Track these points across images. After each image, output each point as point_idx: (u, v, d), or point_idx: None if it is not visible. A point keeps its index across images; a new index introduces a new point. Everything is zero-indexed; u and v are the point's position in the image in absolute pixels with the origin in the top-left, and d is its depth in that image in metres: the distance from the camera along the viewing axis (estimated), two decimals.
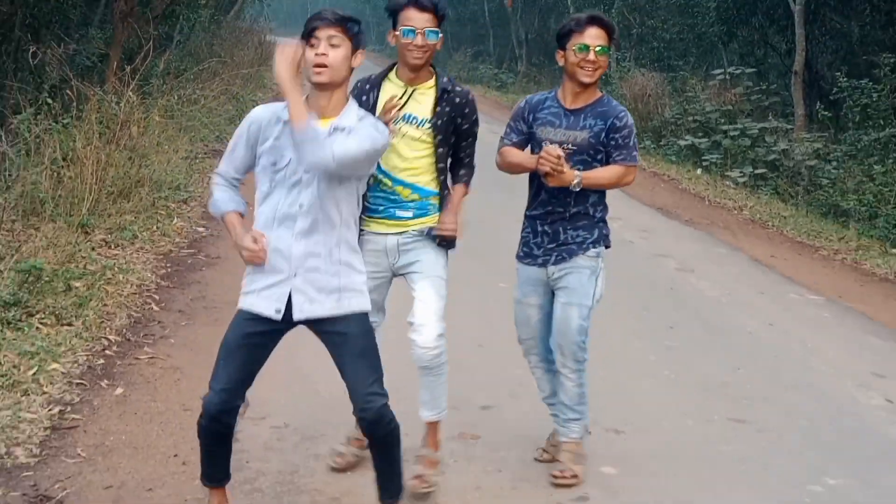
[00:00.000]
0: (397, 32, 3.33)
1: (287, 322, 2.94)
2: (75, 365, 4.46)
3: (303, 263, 2.89)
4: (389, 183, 3.38)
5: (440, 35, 3.34)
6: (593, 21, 3.49)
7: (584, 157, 3.52)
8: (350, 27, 2.84)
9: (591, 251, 3.63)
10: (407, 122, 3.38)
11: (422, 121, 3.38)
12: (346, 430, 3.71)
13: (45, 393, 4.10)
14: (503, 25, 29.91)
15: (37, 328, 4.71)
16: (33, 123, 6.90)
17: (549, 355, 3.76)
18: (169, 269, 6.28)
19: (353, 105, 2.95)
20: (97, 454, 3.67)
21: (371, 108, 3.32)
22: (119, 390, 4.31)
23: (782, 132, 12.98)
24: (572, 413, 3.69)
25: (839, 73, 13.01)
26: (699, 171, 12.68)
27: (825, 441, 4.32)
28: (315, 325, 2.96)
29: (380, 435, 2.97)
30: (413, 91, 3.38)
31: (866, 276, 7.82)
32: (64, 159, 6.89)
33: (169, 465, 3.63)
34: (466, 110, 3.45)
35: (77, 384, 4.27)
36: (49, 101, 7.41)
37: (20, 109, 7.33)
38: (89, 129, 7.35)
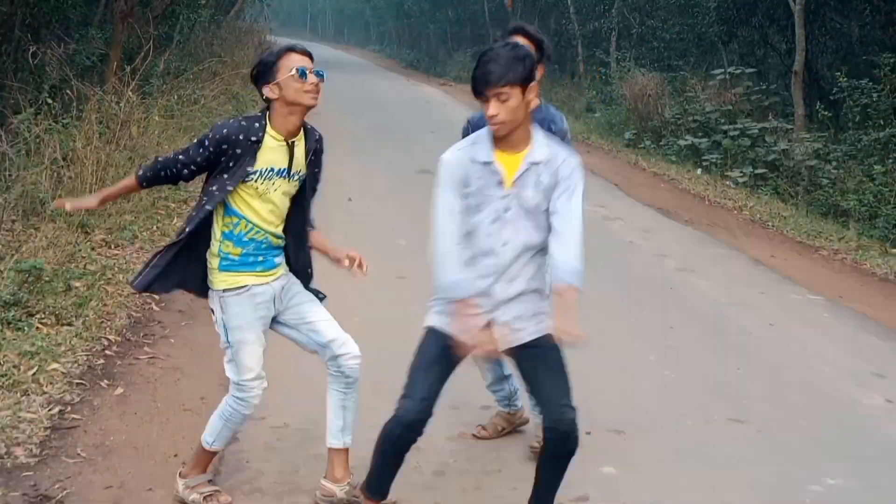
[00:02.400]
0: (286, 78, 3.06)
1: None
2: (75, 365, 4.46)
3: (503, 299, 2.94)
4: (264, 235, 3.18)
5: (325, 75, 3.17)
6: (517, 31, 3.57)
7: None
8: (515, 74, 2.77)
9: None
10: (284, 178, 3.16)
11: (294, 174, 3.19)
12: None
13: (45, 393, 4.11)
14: (503, 25, 29.84)
15: (37, 328, 4.71)
16: (33, 123, 6.90)
17: None
18: None
19: (539, 135, 2.95)
20: (97, 454, 3.67)
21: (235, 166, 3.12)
22: (119, 390, 4.31)
23: (782, 132, 12.98)
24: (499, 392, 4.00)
25: (839, 73, 13.01)
26: (699, 171, 12.68)
27: (825, 441, 4.32)
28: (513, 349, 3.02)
29: (565, 450, 2.95)
30: (293, 143, 3.17)
31: (866, 276, 7.82)
32: (64, 159, 6.89)
33: (169, 465, 3.63)
34: (322, 154, 3.31)
35: (77, 384, 4.28)
36: (49, 101, 7.41)
37: (20, 109, 7.33)
38: (89, 129, 7.36)
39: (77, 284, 5.35)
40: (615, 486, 3.71)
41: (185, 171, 3.14)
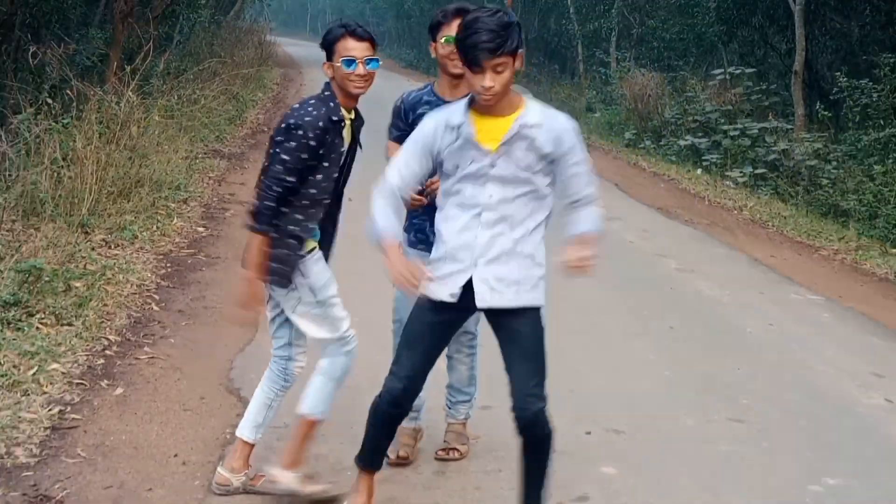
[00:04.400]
0: (338, 63, 3.22)
1: (466, 309, 2.99)
2: (75, 365, 4.46)
3: (485, 253, 2.92)
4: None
5: (380, 63, 3.30)
6: (460, 13, 3.43)
7: None
8: (509, 46, 2.77)
9: None
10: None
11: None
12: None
13: (45, 393, 4.11)
14: None
15: (37, 328, 4.71)
16: (33, 123, 6.89)
17: None
18: (169, 269, 6.28)
19: (531, 99, 2.97)
20: (97, 454, 3.67)
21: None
22: (119, 390, 4.31)
23: (782, 132, 12.98)
24: (461, 395, 3.87)
25: (839, 73, 13.00)
26: (699, 171, 12.68)
27: (825, 441, 4.32)
28: (493, 316, 3.01)
29: (534, 437, 3.00)
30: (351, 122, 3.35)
31: (866, 276, 7.82)
32: (64, 159, 6.89)
33: (169, 465, 3.63)
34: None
35: (77, 384, 4.27)
36: (49, 101, 7.40)
37: (20, 109, 7.33)
38: (89, 129, 7.35)
39: (77, 284, 5.35)
40: (615, 486, 3.71)
41: (299, 178, 3.17)
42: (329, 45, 3.23)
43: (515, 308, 2.95)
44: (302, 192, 3.18)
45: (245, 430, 3.43)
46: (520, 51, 2.82)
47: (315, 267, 3.27)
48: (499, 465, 3.83)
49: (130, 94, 8.31)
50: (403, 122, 3.64)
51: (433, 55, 3.62)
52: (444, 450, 3.85)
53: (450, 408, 3.94)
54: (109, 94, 8.31)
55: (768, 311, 6.41)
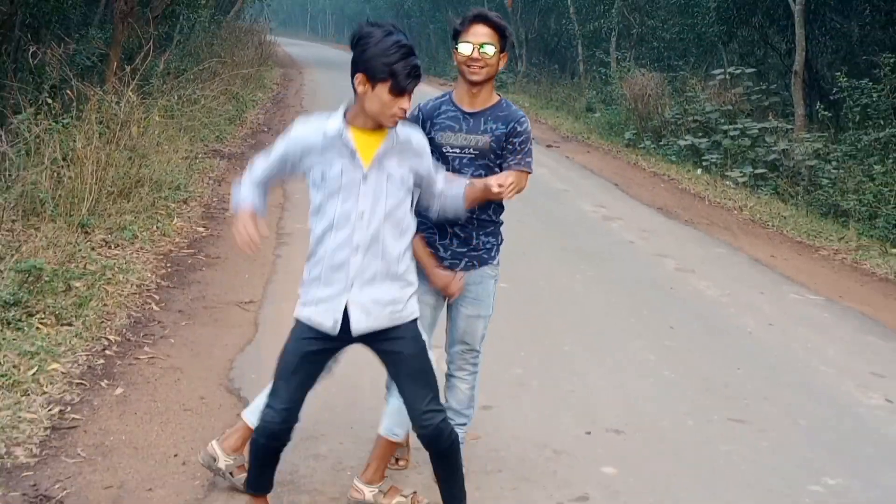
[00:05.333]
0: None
1: (343, 340, 2.93)
2: (75, 365, 4.46)
3: (360, 275, 2.87)
4: None
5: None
6: (478, 19, 3.39)
7: (486, 161, 3.41)
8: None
9: (495, 260, 3.57)
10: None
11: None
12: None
13: (45, 393, 4.11)
14: None
15: (37, 328, 4.71)
16: (33, 123, 6.89)
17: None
18: (169, 269, 6.28)
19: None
20: (97, 454, 3.67)
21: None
22: (119, 390, 4.31)
23: (782, 132, 12.97)
24: (461, 418, 3.62)
25: (839, 73, 13.00)
26: (699, 171, 12.68)
27: (825, 441, 4.32)
28: (370, 341, 2.96)
29: (441, 449, 3.00)
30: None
31: (866, 276, 7.82)
32: (64, 159, 6.89)
33: (169, 465, 3.63)
34: None
35: (77, 384, 4.28)
36: (49, 101, 7.40)
37: (20, 109, 7.33)
38: (89, 129, 7.35)
39: (77, 284, 5.35)
40: (615, 486, 3.71)
41: None
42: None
43: (391, 327, 2.93)
44: None
45: (248, 414, 3.42)
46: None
47: None
48: (499, 465, 3.83)
49: (130, 94, 8.31)
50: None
51: (455, 62, 3.51)
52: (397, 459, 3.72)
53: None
54: (109, 94, 8.31)
55: (768, 311, 6.41)
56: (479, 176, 3.34)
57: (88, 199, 6.67)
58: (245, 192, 3.00)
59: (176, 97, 10.87)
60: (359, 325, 2.88)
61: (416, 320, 2.99)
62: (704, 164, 12.88)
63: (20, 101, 7.54)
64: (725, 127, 13.41)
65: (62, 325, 4.85)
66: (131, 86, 8.40)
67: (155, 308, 5.50)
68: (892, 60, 11.91)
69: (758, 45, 17.89)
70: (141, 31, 11.07)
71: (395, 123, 2.84)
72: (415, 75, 2.78)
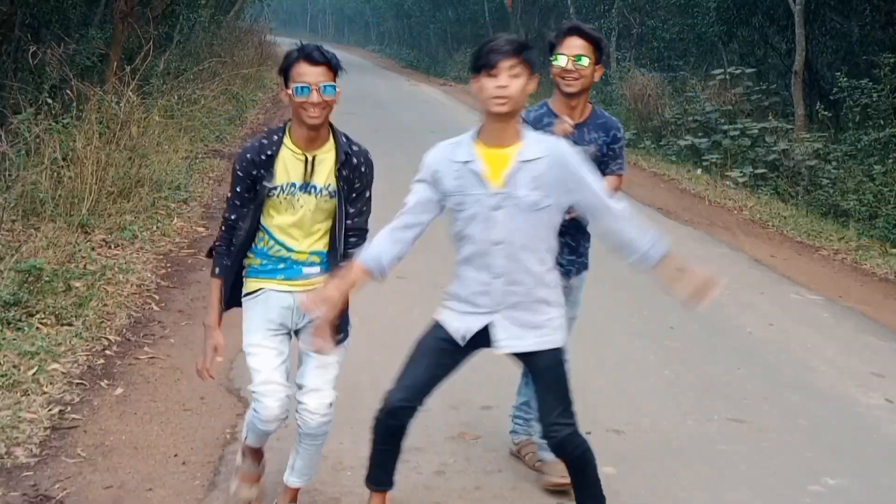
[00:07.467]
0: (289, 91, 2.91)
1: (475, 346, 2.96)
2: (75, 365, 4.46)
3: (504, 300, 2.88)
4: (287, 253, 3.06)
5: (337, 90, 2.92)
6: (572, 31, 3.45)
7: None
8: (527, 56, 2.75)
9: (590, 265, 3.70)
10: (308, 193, 3.00)
11: (321, 189, 3.02)
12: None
13: (45, 393, 4.11)
14: (503, 25, 29.91)
15: (37, 328, 4.71)
16: (33, 123, 6.89)
17: None
18: (169, 269, 6.28)
19: (530, 132, 2.91)
20: (97, 454, 3.67)
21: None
22: (119, 390, 4.31)
23: (782, 132, 12.97)
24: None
25: (839, 73, 13.00)
26: (699, 171, 12.68)
27: (825, 441, 4.32)
28: (514, 354, 3.00)
29: (569, 457, 3.01)
30: (314, 157, 2.99)
31: (866, 276, 7.82)
32: (64, 159, 6.89)
33: (169, 465, 3.63)
34: (356, 170, 3.11)
35: (77, 384, 4.28)
36: (49, 101, 7.40)
37: (20, 109, 7.33)
38: (89, 129, 7.36)
39: (77, 284, 5.35)
40: (615, 487, 3.71)
41: (241, 214, 3.02)
42: (284, 71, 2.93)
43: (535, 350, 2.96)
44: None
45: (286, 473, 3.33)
46: (534, 74, 2.78)
47: (249, 312, 3.11)
48: (499, 465, 3.83)
49: (130, 94, 8.31)
50: None
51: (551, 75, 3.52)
52: (562, 476, 3.40)
53: (524, 425, 3.85)
54: (109, 94, 8.31)
55: (768, 311, 6.41)
56: None
57: (88, 199, 6.67)
58: (370, 251, 2.98)
59: (176, 97, 10.86)
60: (505, 346, 2.92)
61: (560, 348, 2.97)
62: (704, 164, 12.88)
63: (20, 101, 7.54)
64: (725, 127, 13.41)
65: (62, 325, 4.85)
66: (131, 86, 8.40)
67: (155, 308, 5.50)
68: (892, 60, 11.90)
69: (758, 45, 17.88)
70: (141, 31, 11.06)
71: (501, 106, 2.74)
72: (492, 50, 2.75)
